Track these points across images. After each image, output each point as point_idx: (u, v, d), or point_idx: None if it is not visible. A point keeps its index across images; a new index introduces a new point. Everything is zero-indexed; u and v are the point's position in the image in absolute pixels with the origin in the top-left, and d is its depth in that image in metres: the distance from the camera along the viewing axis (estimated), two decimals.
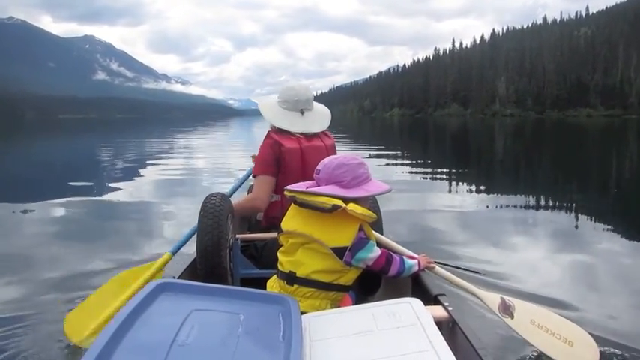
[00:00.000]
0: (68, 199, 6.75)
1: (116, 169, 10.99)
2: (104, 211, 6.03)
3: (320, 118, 2.59)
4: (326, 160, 1.83)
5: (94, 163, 12.91)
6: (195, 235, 2.02)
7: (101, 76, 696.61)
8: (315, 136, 2.53)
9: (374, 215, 1.74)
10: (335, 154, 2.51)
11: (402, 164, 11.68)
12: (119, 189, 7.82)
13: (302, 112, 2.52)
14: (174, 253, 2.30)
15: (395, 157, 13.48)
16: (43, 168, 11.93)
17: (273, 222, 2.41)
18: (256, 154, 2.76)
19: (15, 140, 27.29)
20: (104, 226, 5.17)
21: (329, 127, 2.65)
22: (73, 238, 4.64)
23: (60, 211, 5.93)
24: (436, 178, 9.03)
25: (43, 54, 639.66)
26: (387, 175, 8.86)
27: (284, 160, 2.38)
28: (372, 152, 14.85)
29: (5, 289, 3.11)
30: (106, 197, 7.08)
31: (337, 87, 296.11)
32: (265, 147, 2.43)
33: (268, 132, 2.51)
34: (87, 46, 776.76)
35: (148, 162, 12.36)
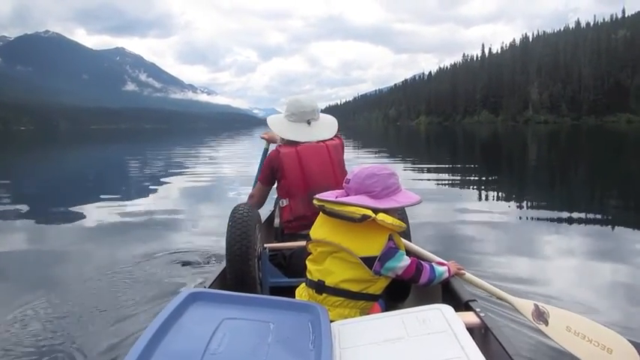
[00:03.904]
0: (102, 208, 6.96)
1: (146, 180, 11.20)
2: (136, 220, 6.10)
3: (326, 127, 2.66)
4: (356, 170, 1.81)
5: (126, 174, 13.24)
6: (225, 245, 2.05)
7: (130, 87, 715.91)
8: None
9: (403, 225, 1.72)
10: (341, 152, 2.57)
11: (430, 173, 11.54)
12: (149, 199, 8.02)
13: (309, 123, 2.59)
14: None
15: (422, 166, 13.35)
16: (80, 177, 12.31)
17: (290, 226, 2.46)
18: (267, 133, 3.03)
19: (52, 150, 28.20)
20: (135, 234, 5.26)
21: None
22: (104, 245, 4.74)
23: (94, 221, 6.09)
24: (465, 188, 8.90)
25: (77, 66, 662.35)
26: (414, 184, 8.77)
27: (282, 166, 2.45)
28: (397, 160, 14.75)
29: (41, 296, 3.19)
30: (138, 207, 7.22)
31: (362, 95, 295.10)
32: (267, 159, 2.59)
33: (277, 146, 2.61)
34: (117, 58, 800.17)
35: (175, 172, 12.58)
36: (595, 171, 12.07)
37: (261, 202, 2.69)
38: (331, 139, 2.61)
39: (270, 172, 2.51)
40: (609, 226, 5.48)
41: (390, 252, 1.68)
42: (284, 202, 2.48)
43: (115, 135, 66.31)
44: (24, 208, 7.24)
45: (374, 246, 1.66)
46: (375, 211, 1.66)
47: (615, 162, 14.22)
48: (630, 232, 5.15)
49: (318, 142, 2.53)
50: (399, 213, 2.22)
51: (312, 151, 2.48)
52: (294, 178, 2.43)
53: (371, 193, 1.73)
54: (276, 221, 2.66)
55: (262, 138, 3.17)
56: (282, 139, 2.65)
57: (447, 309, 1.46)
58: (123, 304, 2.99)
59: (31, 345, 2.45)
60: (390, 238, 1.69)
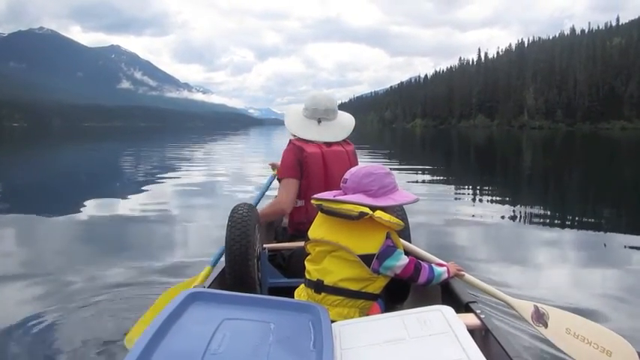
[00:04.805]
0: (95, 208, 6.91)
1: (142, 179, 11.14)
2: (133, 221, 6.03)
3: (337, 129, 2.60)
4: (353, 169, 1.82)
5: (121, 173, 13.16)
6: (224, 245, 2.03)
7: (125, 85, 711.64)
8: (335, 142, 2.56)
9: (401, 223, 1.72)
10: (356, 159, 2.56)
11: (425, 175, 11.56)
12: (145, 199, 7.97)
13: (319, 121, 2.55)
14: (213, 265, 2.29)
15: (417, 167, 13.36)
16: (74, 175, 12.21)
17: (298, 227, 2.43)
18: (275, 162, 2.91)
19: (45, 147, 27.99)
20: (133, 236, 5.22)
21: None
22: (100, 247, 4.71)
23: (88, 219, 6.04)
24: (460, 192, 8.91)
25: (72, 63, 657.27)
26: (409, 187, 8.77)
27: (306, 165, 2.41)
28: (393, 163, 14.76)
29: (39, 297, 3.17)
30: (133, 206, 7.17)
31: (357, 97, 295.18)
32: (288, 152, 2.48)
33: (290, 140, 2.55)
34: (112, 55, 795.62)
35: (172, 171, 12.51)
36: (589, 177, 12.15)
37: (293, 201, 2.43)
38: (345, 141, 2.59)
39: (298, 164, 2.41)
40: (604, 231, 5.51)
41: (388, 250, 1.68)
42: (298, 203, 2.44)
43: (109, 133, 65.95)
44: (8, 205, 7.17)
45: (372, 243, 1.66)
46: (373, 208, 1.67)
47: (608, 168, 14.31)
48: (624, 236, 5.19)
49: (330, 144, 2.50)
50: (399, 214, 2.21)
51: (336, 156, 2.47)
52: (317, 181, 2.39)
53: (368, 191, 1.74)
54: (285, 221, 2.59)
55: (270, 165, 3.25)
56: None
57: (447, 310, 1.46)
58: (121, 304, 2.97)
59: (26, 347, 2.42)
60: (388, 237, 1.69)
